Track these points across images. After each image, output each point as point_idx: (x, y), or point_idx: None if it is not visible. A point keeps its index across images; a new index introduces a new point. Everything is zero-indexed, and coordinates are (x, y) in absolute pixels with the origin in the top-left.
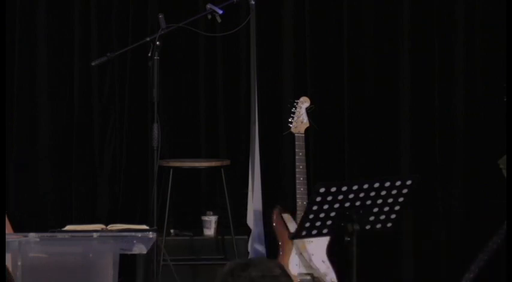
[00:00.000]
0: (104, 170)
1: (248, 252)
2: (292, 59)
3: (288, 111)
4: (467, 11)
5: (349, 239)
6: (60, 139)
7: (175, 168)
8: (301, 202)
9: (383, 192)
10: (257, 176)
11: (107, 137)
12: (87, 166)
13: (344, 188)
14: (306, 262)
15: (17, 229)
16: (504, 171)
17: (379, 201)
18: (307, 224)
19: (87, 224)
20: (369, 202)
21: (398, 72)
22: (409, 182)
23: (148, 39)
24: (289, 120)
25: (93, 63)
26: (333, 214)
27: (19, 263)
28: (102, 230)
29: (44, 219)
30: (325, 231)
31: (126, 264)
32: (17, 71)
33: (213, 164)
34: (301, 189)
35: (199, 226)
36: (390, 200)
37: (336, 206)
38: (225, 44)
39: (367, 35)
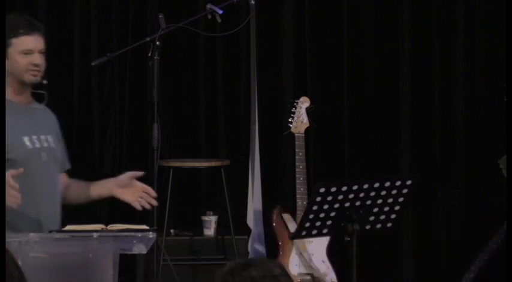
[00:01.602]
0: (104, 170)
1: (248, 252)
2: (292, 59)
3: (288, 111)
4: (467, 11)
5: (349, 239)
6: None
7: (175, 168)
8: (301, 202)
9: (383, 192)
10: (257, 176)
11: (107, 137)
12: (87, 166)
13: (344, 188)
14: (306, 262)
15: None
16: (504, 171)
17: (379, 201)
18: (307, 224)
19: (87, 224)
20: (369, 202)
21: (398, 72)
22: (409, 182)
23: (148, 39)
24: (289, 120)
25: (93, 63)
26: (333, 214)
27: (19, 263)
28: (102, 230)
29: None
30: (325, 231)
31: (126, 264)
32: None
33: (213, 164)
34: (301, 189)
35: (199, 226)
36: (390, 200)
37: (336, 206)
38: (225, 44)
39: (367, 35)
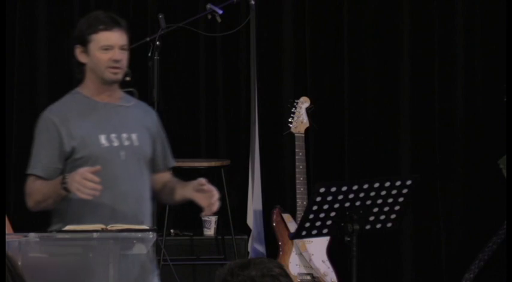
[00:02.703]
0: None
1: (248, 252)
2: (292, 59)
3: (288, 111)
4: (467, 11)
5: (349, 239)
6: None
7: (175, 168)
8: (301, 202)
9: (383, 192)
10: (257, 176)
11: None
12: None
13: (344, 188)
14: (306, 262)
15: (17, 229)
16: (504, 171)
17: (379, 201)
18: (307, 224)
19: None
20: (369, 202)
21: (399, 72)
22: (409, 182)
23: (148, 39)
24: (289, 120)
25: None
26: (333, 214)
27: (19, 263)
28: (102, 230)
29: (44, 219)
30: (325, 231)
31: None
32: (17, 71)
33: (213, 164)
34: (301, 189)
35: (199, 226)
36: (390, 200)
37: (336, 206)
38: (225, 44)
39: (367, 35)
